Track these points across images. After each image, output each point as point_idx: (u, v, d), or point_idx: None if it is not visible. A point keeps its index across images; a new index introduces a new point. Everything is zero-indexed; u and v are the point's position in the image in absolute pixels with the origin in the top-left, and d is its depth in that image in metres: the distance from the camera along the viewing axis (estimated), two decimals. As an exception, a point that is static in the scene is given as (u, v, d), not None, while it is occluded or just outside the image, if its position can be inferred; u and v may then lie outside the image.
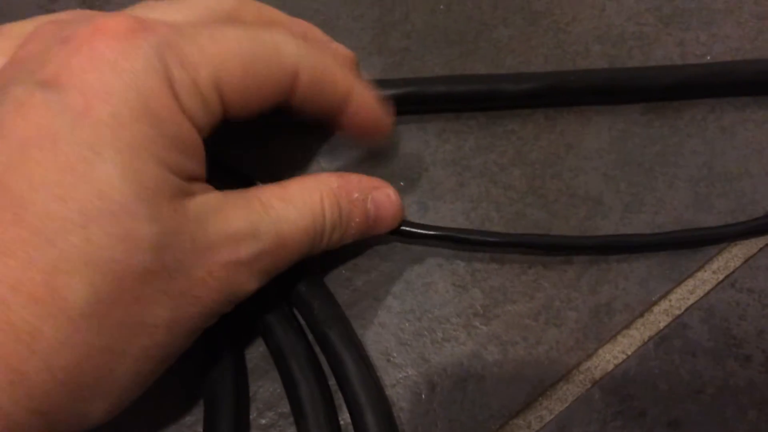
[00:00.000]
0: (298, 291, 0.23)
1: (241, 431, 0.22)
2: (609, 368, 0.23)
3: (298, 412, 0.21)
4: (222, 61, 0.19)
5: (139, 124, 0.17)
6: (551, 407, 0.23)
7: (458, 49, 0.29)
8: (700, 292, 0.24)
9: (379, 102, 0.23)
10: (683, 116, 0.27)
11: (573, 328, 0.24)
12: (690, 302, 0.24)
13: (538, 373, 0.23)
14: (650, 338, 0.23)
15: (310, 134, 0.27)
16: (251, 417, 0.23)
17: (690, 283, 0.24)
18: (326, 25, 0.30)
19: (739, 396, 0.22)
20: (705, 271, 0.25)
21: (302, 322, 0.24)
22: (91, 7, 0.31)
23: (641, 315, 0.24)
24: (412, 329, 0.24)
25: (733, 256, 0.25)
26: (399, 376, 0.23)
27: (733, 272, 0.24)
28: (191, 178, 0.19)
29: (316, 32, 0.25)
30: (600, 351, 0.23)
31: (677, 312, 0.24)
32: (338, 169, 0.27)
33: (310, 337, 0.23)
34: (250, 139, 0.27)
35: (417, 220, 0.26)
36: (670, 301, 0.24)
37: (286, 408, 0.23)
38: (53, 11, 0.22)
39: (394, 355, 0.23)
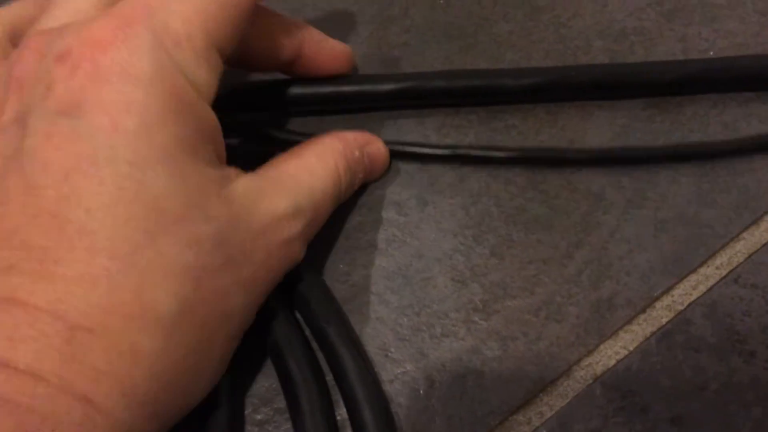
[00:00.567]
0: (296, 286, 0.23)
1: (236, 427, 0.22)
2: (610, 364, 0.23)
3: (294, 408, 0.21)
4: (203, 14, 0.19)
5: (167, 126, 0.18)
6: (552, 403, 0.22)
7: (458, 44, 0.29)
8: (703, 288, 0.24)
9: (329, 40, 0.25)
10: (685, 112, 0.27)
11: (574, 324, 0.23)
12: (693, 298, 0.24)
13: (539, 368, 0.23)
14: (652, 334, 0.23)
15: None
16: (246, 412, 0.23)
17: (693, 279, 0.24)
18: (325, 19, 0.30)
19: (743, 392, 0.22)
20: (708, 266, 0.24)
21: (299, 317, 0.23)
22: None
23: (643, 310, 0.23)
24: (411, 324, 0.24)
25: (737, 252, 0.24)
26: (397, 371, 0.23)
27: (736, 268, 0.24)
28: (221, 162, 0.20)
29: (313, 31, 0.25)
30: (601, 347, 0.23)
31: (680, 308, 0.24)
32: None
33: (307, 332, 0.23)
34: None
35: (416, 216, 0.25)
36: (672, 296, 0.24)
37: (281, 404, 0.22)
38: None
39: (392, 350, 0.23)
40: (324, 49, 0.25)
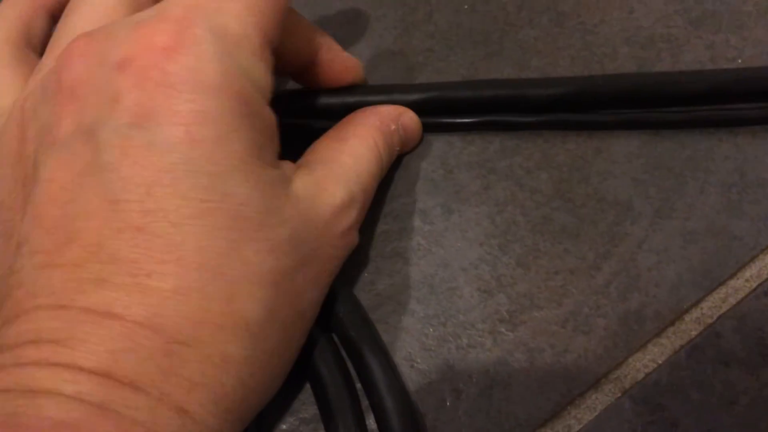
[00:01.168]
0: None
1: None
2: (639, 377, 0.22)
3: (326, 414, 0.21)
4: (255, 11, 0.19)
5: (240, 132, 0.18)
6: (580, 416, 0.22)
7: (483, 50, 0.29)
8: (732, 300, 0.24)
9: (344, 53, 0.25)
10: (714, 120, 0.27)
11: (602, 336, 0.23)
12: (722, 311, 0.23)
13: (566, 381, 0.22)
14: (681, 347, 0.23)
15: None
16: (272, 422, 0.22)
17: (722, 291, 0.24)
18: (349, 25, 0.30)
19: (774, 408, 0.22)
20: (737, 279, 0.24)
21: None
22: None
23: (672, 323, 0.23)
24: (437, 335, 0.23)
25: (766, 263, 0.24)
26: (423, 382, 0.23)
27: (766, 280, 0.24)
28: (279, 160, 0.20)
29: (330, 40, 0.25)
30: (630, 359, 0.23)
31: (709, 320, 0.23)
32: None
33: (336, 340, 0.23)
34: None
35: (441, 224, 0.25)
36: (701, 309, 0.23)
37: (307, 413, 0.22)
38: None
39: (418, 360, 0.23)
40: (337, 60, 0.25)
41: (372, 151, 0.23)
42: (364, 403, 0.22)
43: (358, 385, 0.22)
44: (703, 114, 0.26)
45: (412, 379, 0.23)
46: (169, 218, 0.16)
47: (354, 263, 0.25)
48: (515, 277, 0.24)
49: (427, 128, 0.26)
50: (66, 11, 0.22)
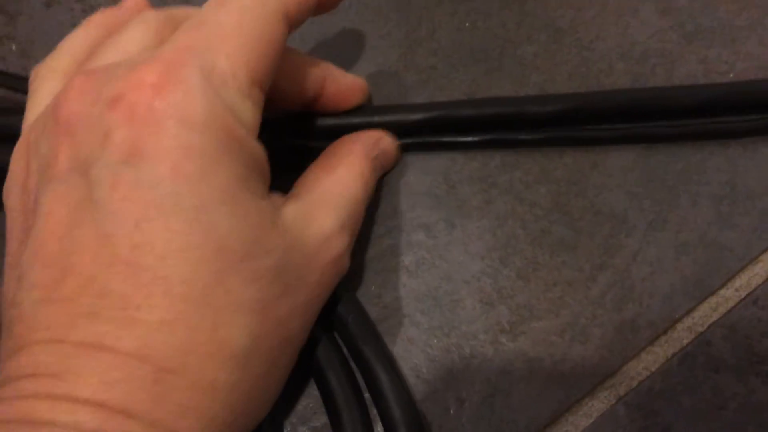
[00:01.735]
0: (334, 308, 0.24)
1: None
2: (633, 384, 0.24)
3: (336, 425, 0.22)
4: (244, 52, 0.20)
5: (224, 166, 0.19)
6: (577, 422, 0.23)
7: (483, 66, 0.30)
8: (722, 310, 0.25)
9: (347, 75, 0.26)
10: (706, 134, 0.28)
11: (598, 345, 0.24)
12: (713, 319, 0.25)
13: (564, 388, 0.24)
14: (674, 355, 0.24)
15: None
16: (285, 431, 0.24)
17: (713, 301, 0.25)
18: (354, 43, 0.31)
19: (762, 412, 0.23)
20: (728, 288, 0.25)
21: (337, 337, 0.24)
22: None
23: (665, 332, 0.24)
24: (441, 345, 0.25)
25: (756, 274, 0.25)
26: (428, 391, 0.24)
27: (755, 290, 0.25)
28: (268, 191, 0.21)
29: (333, 69, 0.26)
30: (624, 367, 0.24)
31: (700, 329, 0.24)
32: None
33: (345, 351, 0.24)
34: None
35: (444, 238, 0.26)
36: (693, 318, 0.25)
37: (318, 422, 0.24)
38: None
39: (424, 370, 0.24)
40: (343, 86, 0.26)
41: (358, 178, 0.24)
42: (373, 412, 0.23)
43: (367, 395, 0.23)
44: (695, 127, 0.27)
45: (418, 388, 0.24)
46: (156, 251, 0.17)
47: (362, 277, 0.26)
48: (515, 289, 0.25)
49: (430, 147, 0.28)
50: (99, 47, 0.23)
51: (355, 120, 0.26)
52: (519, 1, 0.31)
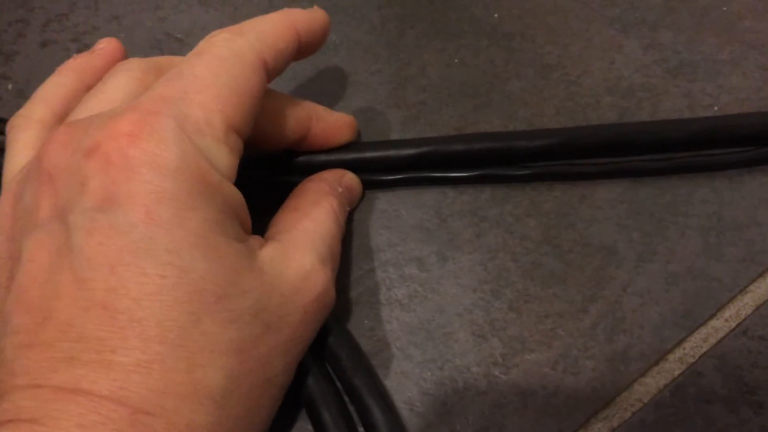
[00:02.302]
0: (326, 341, 0.24)
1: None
2: (626, 416, 0.24)
3: None
4: (220, 101, 0.21)
5: (198, 210, 0.19)
6: (571, 455, 0.23)
7: (473, 102, 0.31)
8: (713, 340, 0.25)
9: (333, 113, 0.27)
10: (692, 166, 0.28)
11: (590, 377, 0.24)
12: (703, 350, 0.25)
13: (557, 421, 0.24)
14: (665, 386, 0.24)
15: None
16: (280, 466, 0.24)
17: (703, 331, 0.25)
18: (345, 79, 0.32)
19: (754, 443, 0.23)
20: (717, 319, 0.25)
21: (330, 370, 0.25)
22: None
23: (656, 363, 0.25)
24: (434, 379, 0.25)
25: (745, 304, 0.26)
26: (422, 424, 0.24)
27: (744, 320, 0.25)
28: (247, 234, 0.21)
29: (318, 108, 0.27)
30: (617, 399, 0.24)
31: (691, 360, 0.25)
32: (360, 222, 0.28)
33: (338, 384, 0.24)
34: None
35: (437, 271, 0.27)
36: (684, 349, 0.25)
37: (313, 457, 0.24)
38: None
39: (417, 404, 0.24)
40: (331, 124, 0.27)
41: (330, 213, 0.25)
42: (367, 446, 0.23)
43: (361, 430, 0.23)
44: (682, 160, 0.28)
45: (411, 422, 0.24)
46: (131, 295, 0.18)
47: (355, 311, 0.26)
48: (507, 321, 0.26)
49: (421, 182, 0.28)
50: (85, 97, 0.23)
51: (347, 156, 0.27)
52: (507, 38, 0.32)
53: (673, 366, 0.25)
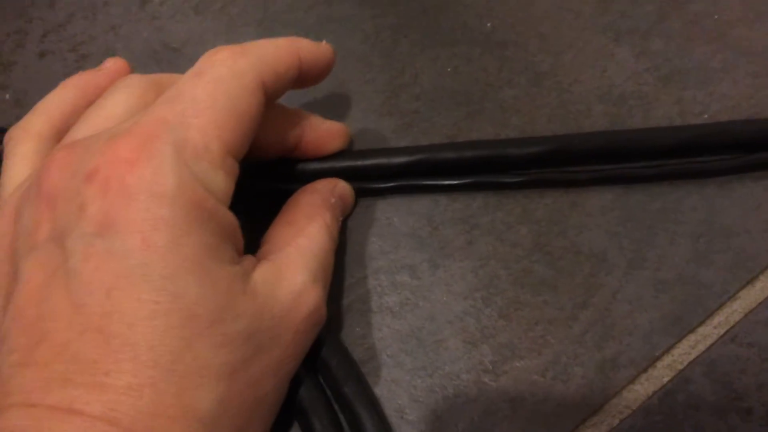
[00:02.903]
0: (318, 350, 0.24)
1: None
2: (615, 423, 0.24)
3: None
4: (218, 126, 0.21)
5: (193, 236, 0.19)
6: (559, 462, 0.24)
7: (465, 110, 0.31)
8: (701, 347, 0.25)
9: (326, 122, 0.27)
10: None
11: (579, 384, 0.25)
12: (692, 357, 0.25)
13: (547, 428, 0.24)
14: (654, 393, 0.24)
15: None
16: (271, 473, 0.24)
17: (692, 338, 0.25)
18: (339, 88, 0.32)
19: (742, 449, 0.23)
20: (706, 325, 0.25)
21: (321, 379, 0.25)
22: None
23: (645, 370, 0.25)
24: (425, 386, 0.25)
25: (734, 311, 0.26)
26: None
27: (733, 327, 0.25)
28: (240, 256, 0.22)
29: (312, 117, 0.27)
30: (606, 406, 0.24)
31: (680, 367, 0.25)
32: (352, 230, 0.28)
33: (329, 393, 0.24)
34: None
35: (428, 279, 0.27)
36: (672, 356, 0.25)
37: (304, 464, 0.24)
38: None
39: (408, 411, 0.24)
40: (323, 132, 0.27)
41: (323, 228, 0.25)
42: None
43: (352, 437, 0.24)
44: (672, 167, 0.28)
45: (401, 429, 0.24)
46: (125, 320, 0.18)
47: (347, 319, 0.26)
48: (497, 328, 0.26)
49: (414, 190, 0.28)
50: (85, 113, 0.24)
51: (339, 164, 0.27)
52: (499, 47, 0.32)
53: (662, 373, 0.25)
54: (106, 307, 0.18)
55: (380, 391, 0.25)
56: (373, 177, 0.28)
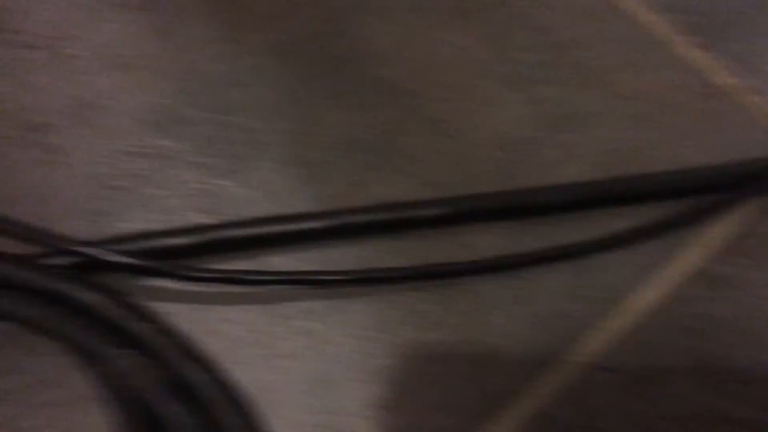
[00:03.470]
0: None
1: None
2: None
3: None
4: None
5: None
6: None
7: (371, 159, 0.33)
8: (567, 376, 0.28)
9: None
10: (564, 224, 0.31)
11: (463, 416, 0.27)
12: (558, 386, 0.28)
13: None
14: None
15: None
16: None
17: (560, 368, 0.28)
18: (249, 138, 0.34)
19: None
20: (573, 355, 0.28)
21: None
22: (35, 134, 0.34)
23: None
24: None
25: (599, 340, 0.29)
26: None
27: (598, 355, 0.28)
28: None
29: None
30: (486, 440, 0.27)
31: (547, 398, 0.28)
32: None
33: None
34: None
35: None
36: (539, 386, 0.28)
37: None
38: None
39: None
40: None
41: None
42: None
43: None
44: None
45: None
46: None
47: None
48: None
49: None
50: None
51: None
52: (404, 95, 0.34)
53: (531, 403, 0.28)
54: None
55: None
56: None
